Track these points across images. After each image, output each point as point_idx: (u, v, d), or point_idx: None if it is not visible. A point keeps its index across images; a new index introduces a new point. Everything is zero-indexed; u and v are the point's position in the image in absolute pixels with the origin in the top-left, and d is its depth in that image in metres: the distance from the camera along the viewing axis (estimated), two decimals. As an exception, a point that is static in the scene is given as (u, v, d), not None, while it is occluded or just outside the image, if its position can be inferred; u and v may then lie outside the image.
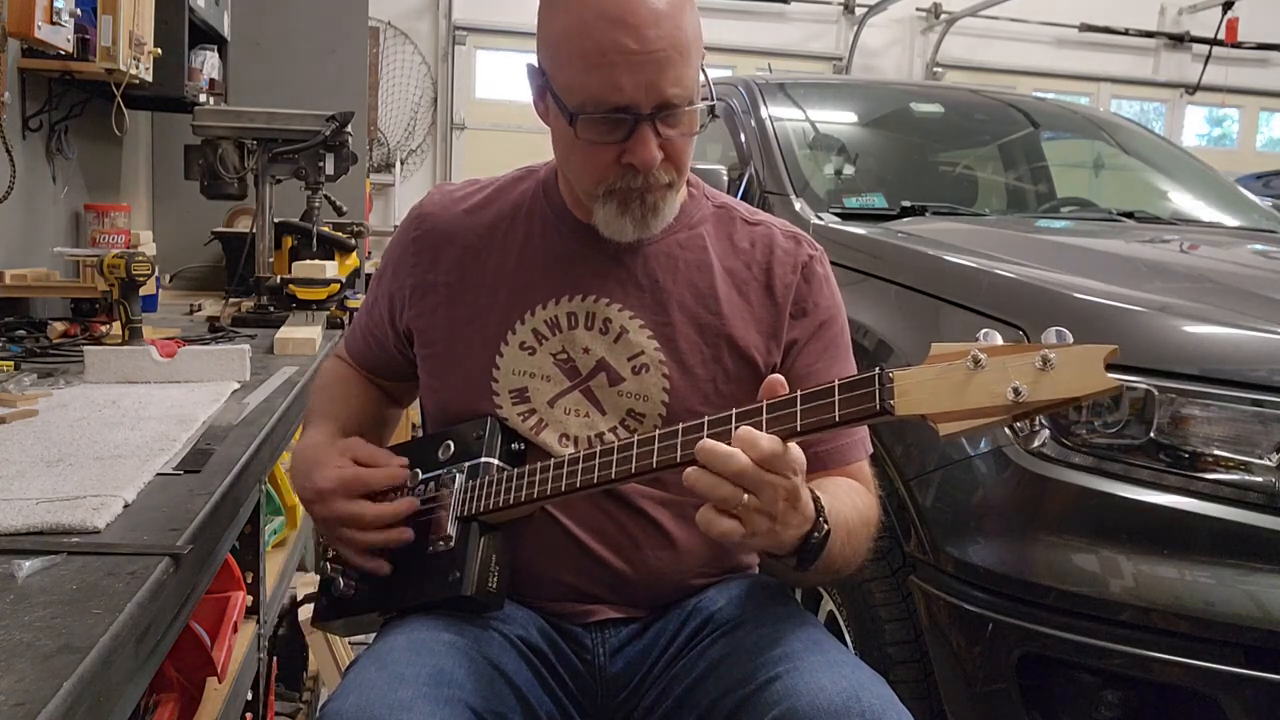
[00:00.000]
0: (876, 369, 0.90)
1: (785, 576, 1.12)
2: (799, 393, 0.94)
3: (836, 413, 0.91)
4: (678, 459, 0.98)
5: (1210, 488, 1.50)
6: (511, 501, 1.09)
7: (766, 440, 0.91)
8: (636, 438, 1.02)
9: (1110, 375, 0.81)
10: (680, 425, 0.99)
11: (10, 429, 1.31)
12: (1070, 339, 0.84)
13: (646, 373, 1.17)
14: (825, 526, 1.00)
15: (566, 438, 1.17)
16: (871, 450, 1.23)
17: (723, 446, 0.91)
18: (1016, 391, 0.82)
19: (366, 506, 1.15)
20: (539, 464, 1.08)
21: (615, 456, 1.02)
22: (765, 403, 0.95)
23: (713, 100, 1.13)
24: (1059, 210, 3.01)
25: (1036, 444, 0.88)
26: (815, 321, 1.21)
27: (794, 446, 0.94)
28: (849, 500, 1.10)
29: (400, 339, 1.28)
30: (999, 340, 0.86)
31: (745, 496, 0.91)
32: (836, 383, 0.92)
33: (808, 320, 1.21)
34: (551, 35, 1.10)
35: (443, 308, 1.23)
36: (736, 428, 0.94)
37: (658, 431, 1.00)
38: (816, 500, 1.00)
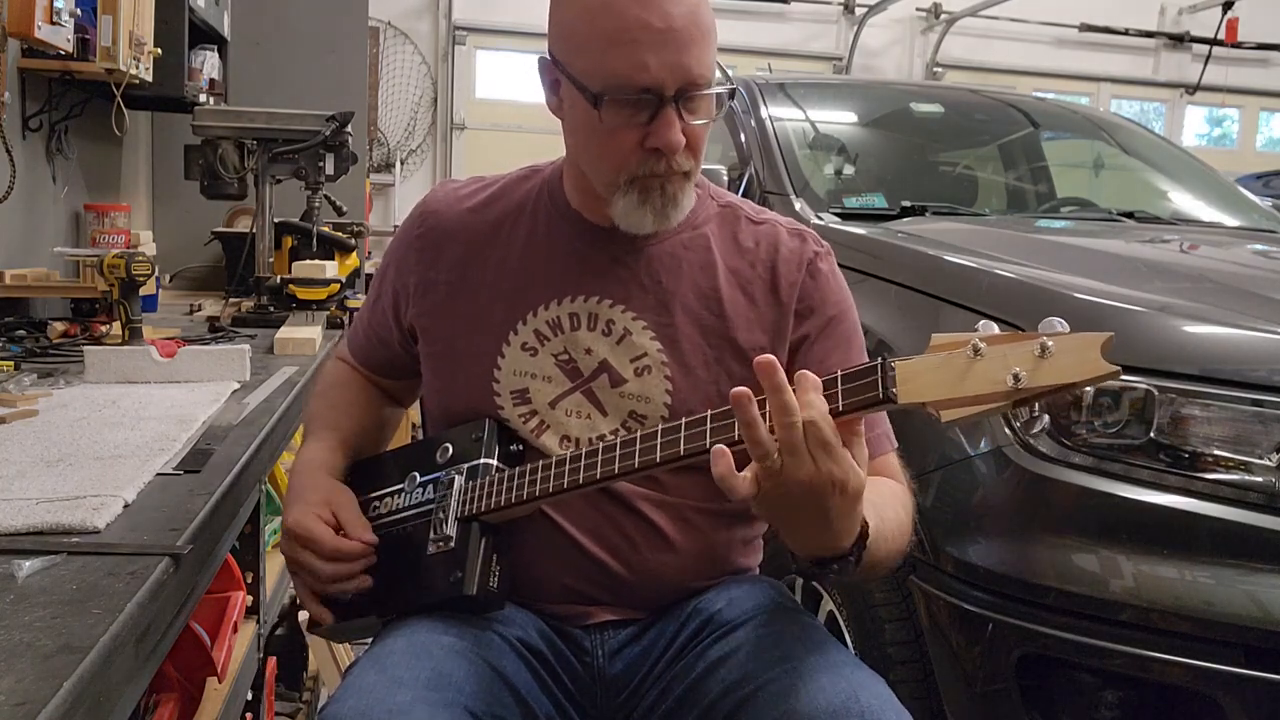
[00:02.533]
0: (879, 358, 0.91)
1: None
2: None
3: (840, 402, 0.90)
4: (680, 453, 0.97)
5: (1210, 488, 1.50)
6: (513, 500, 1.08)
7: (821, 412, 0.88)
8: (639, 434, 1.01)
9: (1107, 361, 0.82)
10: (683, 420, 0.99)
11: (10, 429, 1.31)
12: (1067, 328, 0.85)
13: (649, 374, 1.17)
14: (850, 564, 0.97)
15: (568, 439, 1.17)
16: (897, 444, 1.21)
17: (795, 409, 0.87)
18: (1016, 378, 0.83)
19: (322, 565, 1.15)
20: (540, 462, 1.08)
21: (617, 453, 1.02)
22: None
23: (732, 86, 1.12)
24: (1059, 210, 3.01)
25: (1036, 429, 0.88)
26: (824, 318, 1.20)
27: (854, 467, 0.89)
28: (894, 518, 1.06)
29: (404, 336, 1.28)
30: (996, 329, 0.87)
31: (776, 455, 0.88)
32: (839, 373, 0.92)
33: (815, 318, 1.20)
34: (568, 21, 1.10)
35: (445, 306, 1.23)
36: None
37: (660, 427, 1.00)
38: (864, 534, 0.96)
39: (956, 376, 0.86)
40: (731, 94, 1.12)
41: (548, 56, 1.14)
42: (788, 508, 0.91)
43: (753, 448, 0.89)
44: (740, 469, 0.90)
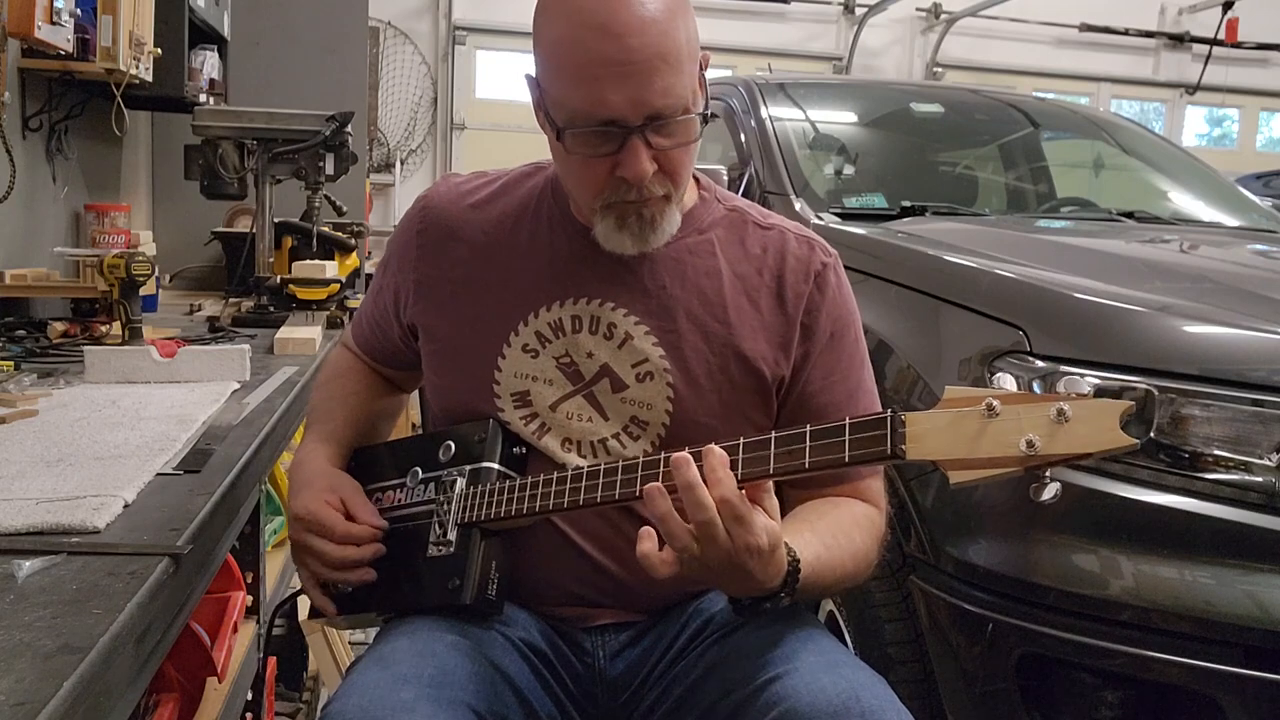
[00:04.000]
0: (889, 411, 0.90)
1: None
2: (809, 428, 0.93)
3: (846, 453, 0.90)
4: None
5: (1210, 488, 1.50)
6: (514, 512, 1.08)
7: (730, 488, 0.92)
8: (643, 458, 1.01)
9: (1125, 434, 0.81)
10: (687, 450, 0.98)
11: (10, 429, 1.31)
12: (1085, 390, 0.83)
13: (650, 380, 1.16)
14: (783, 599, 1.00)
15: (569, 442, 1.16)
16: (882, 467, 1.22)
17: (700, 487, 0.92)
18: (1030, 444, 0.82)
19: (331, 549, 1.15)
20: (543, 476, 1.08)
21: (619, 477, 1.01)
22: (774, 435, 0.95)
23: (707, 110, 1.10)
24: (1059, 210, 3.01)
25: (1045, 496, 0.87)
26: (828, 332, 1.19)
27: (762, 518, 0.93)
28: (841, 546, 1.07)
29: (405, 332, 1.28)
30: (1013, 386, 0.86)
31: (695, 545, 0.92)
32: (848, 422, 0.92)
33: (820, 332, 1.18)
34: (540, 50, 1.09)
35: (446, 305, 1.22)
36: (745, 458, 0.94)
37: (663, 455, 1.00)
38: (793, 572, 0.98)
39: (969, 437, 0.84)
40: (709, 117, 1.10)
41: (533, 76, 1.13)
42: (709, 573, 0.95)
43: (672, 540, 0.93)
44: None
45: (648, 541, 0.94)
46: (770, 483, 0.95)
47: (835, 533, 1.07)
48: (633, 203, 1.09)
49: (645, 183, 1.07)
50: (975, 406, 0.85)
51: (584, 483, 1.04)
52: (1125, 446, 0.81)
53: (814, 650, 1.05)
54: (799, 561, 0.99)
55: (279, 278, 2.38)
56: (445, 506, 1.13)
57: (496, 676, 1.05)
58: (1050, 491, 0.85)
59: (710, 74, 1.13)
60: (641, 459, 1.01)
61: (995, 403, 0.84)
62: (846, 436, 0.91)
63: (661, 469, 0.99)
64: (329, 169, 2.50)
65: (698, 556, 0.93)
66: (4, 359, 1.71)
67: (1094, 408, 0.82)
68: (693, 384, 1.16)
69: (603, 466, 1.03)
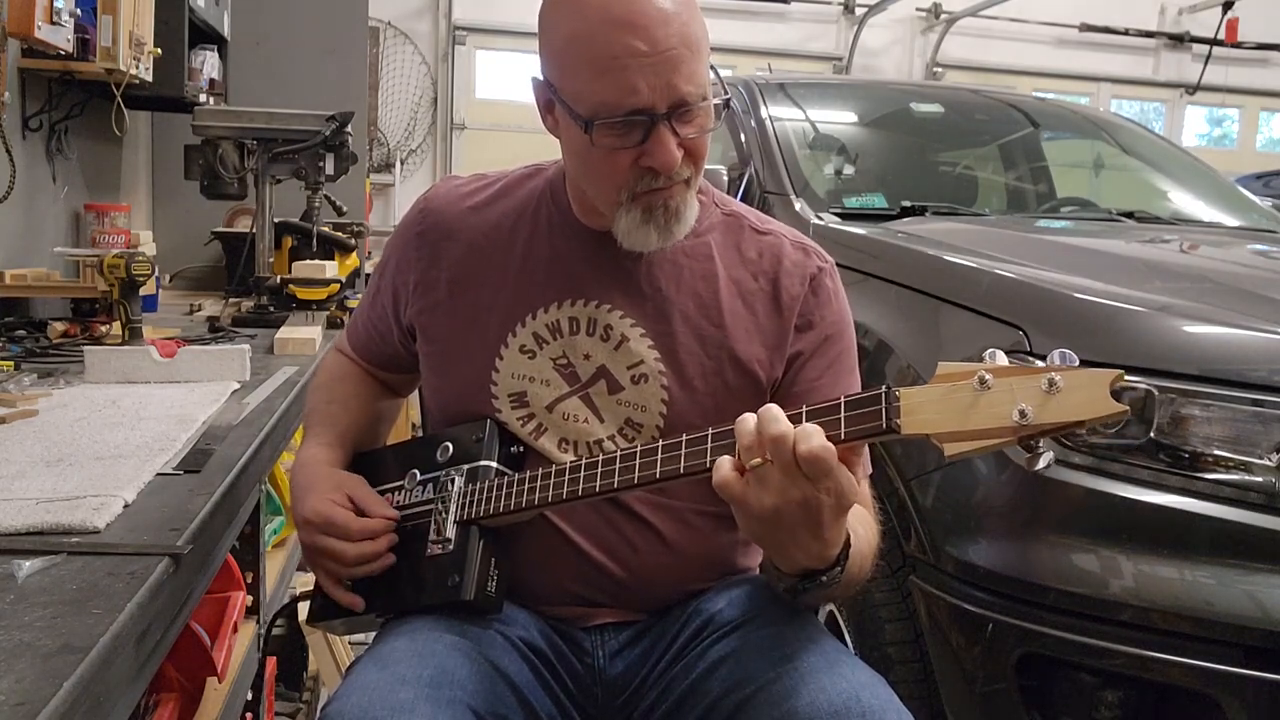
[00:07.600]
0: (883, 387, 0.90)
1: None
2: (804, 408, 0.93)
3: (842, 430, 0.90)
4: (680, 470, 0.97)
5: (1210, 488, 1.50)
6: (513, 507, 1.08)
7: (820, 445, 0.88)
8: (639, 447, 1.01)
9: (1115, 401, 0.81)
10: (684, 436, 0.99)
11: (10, 429, 1.31)
12: (1075, 361, 0.84)
13: (645, 383, 1.16)
14: (838, 574, 0.98)
15: (566, 442, 1.16)
16: (871, 470, 1.21)
17: (785, 422, 0.89)
18: (1022, 414, 0.82)
19: (347, 547, 1.14)
20: (540, 470, 1.08)
21: (617, 466, 1.02)
22: None
23: (726, 95, 1.11)
24: (1059, 210, 3.01)
25: (1039, 465, 0.87)
26: (820, 335, 1.19)
27: (850, 478, 0.91)
28: (865, 535, 1.07)
29: (404, 333, 1.28)
30: (1004, 360, 0.86)
31: (757, 460, 0.89)
32: (843, 399, 0.91)
33: (813, 333, 1.19)
34: (557, 45, 1.08)
35: (445, 306, 1.22)
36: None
37: (660, 442, 1.00)
38: (847, 544, 0.97)
39: (961, 409, 0.85)
40: (727, 103, 1.11)
41: (540, 78, 1.12)
42: (780, 521, 0.92)
43: (753, 464, 0.90)
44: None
45: (725, 454, 0.92)
46: (865, 450, 0.93)
47: (854, 524, 1.04)
48: (659, 190, 1.09)
49: (674, 170, 1.07)
50: (967, 380, 0.85)
51: (582, 474, 1.04)
52: (1117, 414, 0.81)
53: (814, 650, 1.05)
54: (849, 534, 0.98)
55: (279, 278, 2.38)
56: (444, 505, 1.13)
57: (496, 676, 1.05)
58: (1044, 461, 0.86)
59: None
60: (640, 447, 1.01)
61: (987, 375, 0.84)
62: (842, 414, 0.91)
63: (660, 457, 0.99)
64: (329, 169, 2.51)
65: (776, 485, 0.89)
66: (4, 359, 1.71)
67: (1084, 377, 0.82)
68: (687, 386, 1.16)
69: (600, 458, 1.04)
